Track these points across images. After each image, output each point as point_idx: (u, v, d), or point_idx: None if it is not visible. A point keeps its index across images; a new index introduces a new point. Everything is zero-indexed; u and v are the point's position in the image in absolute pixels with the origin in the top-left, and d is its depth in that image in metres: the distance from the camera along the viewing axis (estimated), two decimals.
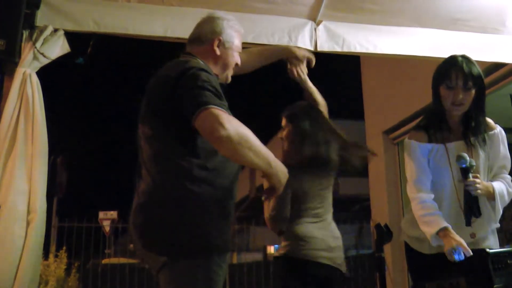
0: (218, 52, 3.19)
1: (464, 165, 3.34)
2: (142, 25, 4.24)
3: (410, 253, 3.74)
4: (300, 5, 4.59)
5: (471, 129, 3.59)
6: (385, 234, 3.47)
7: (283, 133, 4.07)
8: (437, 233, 3.38)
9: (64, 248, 11.44)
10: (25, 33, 3.79)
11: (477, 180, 3.37)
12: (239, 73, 3.65)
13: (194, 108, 2.66)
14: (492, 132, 3.62)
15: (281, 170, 2.86)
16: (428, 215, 3.51)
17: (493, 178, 3.60)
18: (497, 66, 6.03)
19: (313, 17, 4.69)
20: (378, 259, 3.46)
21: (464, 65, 3.56)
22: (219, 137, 2.59)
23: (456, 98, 3.53)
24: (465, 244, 3.25)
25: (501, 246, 3.53)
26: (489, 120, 3.69)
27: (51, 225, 12.57)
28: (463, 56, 3.66)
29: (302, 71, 3.98)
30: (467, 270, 3.35)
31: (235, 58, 3.31)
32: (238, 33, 3.35)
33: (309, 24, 4.68)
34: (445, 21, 4.92)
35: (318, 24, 4.69)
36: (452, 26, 4.96)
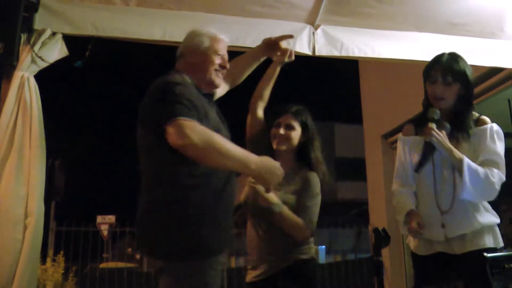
0: (192, 60, 3.34)
1: (435, 116, 3.48)
2: (141, 29, 4.24)
3: (412, 255, 3.77)
4: (299, 9, 4.59)
5: (455, 124, 3.58)
6: (383, 238, 3.45)
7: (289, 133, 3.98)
8: (404, 219, 3.53)
9: (62, 252, 11.41)
10: (23, 37, 3.79)
11: (436, 130, 3.44)
12: (233, 85, 3.82)
13: (163, 121, 2.83)
14: (482, 127, 3.57)
15: (266, 169, 2.96)
16: (399, 205, 3.67)
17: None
18: (495, 70, 6.03)
19: (311, 21, 4.69)
20: (376, 263, 3.44)
21: (445, 60, 3.63)
22: (183, 145, 2.77)
23: (435, 92, 3.59)
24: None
25: (498, 250, 3.51)
26: (483, 117, 3.65)
27: (48, 229, 12.55)
28: (450, 53, 3.71)
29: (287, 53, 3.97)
30: (465, 274, 3.38)
31: (213, 59, 3.36)
32: (212, 38, 3.42)
33: (307, 28, 4.68)
34: (443, 26, 4.92)
35: (316, 28, 4.70)
36: (450, 31, 4.97)
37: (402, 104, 8.85)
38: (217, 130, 3.01)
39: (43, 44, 3.81)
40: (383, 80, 9.72)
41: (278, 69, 3.98)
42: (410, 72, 8.48)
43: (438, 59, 3.69)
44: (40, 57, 3.78)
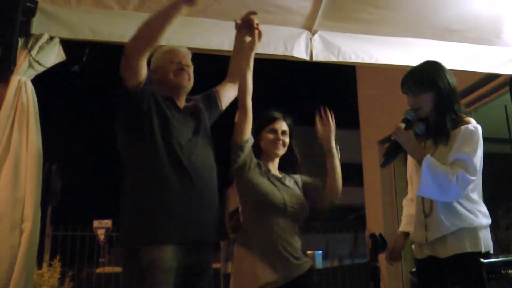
0: (156, 78, 3.51)
1: (409, 117, 3.62)
2: None
3: (414, 260, 3.81)
4: (296, 15, 4.60)
5: (434, 128, 3.64)
6: (379, 243, 3.46)
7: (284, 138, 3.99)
8: None
9: (58, 257, 11.39)
10: (21, 41, 3.78)
11: (402, 130, 3.58)
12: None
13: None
14: (458, 129, 3.54)
15: None
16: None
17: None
18: (492, 77, 6.05)
19: (309, 27, 4.70)
20: (373, 268, 3.45)
21: (412, 72, 3.76)
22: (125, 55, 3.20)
23: (409, 103, 3.72)
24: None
25: (495, 256, 3.52)
26: (466, 118, 3.62)
27: (45, 234, 12.53)
28: (421, 63, 3.83)
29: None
30: (461, 279, 3.39)
31: (169, 68, 3.56)
32: (163, 53, 3.67)
33: (305, 34, 4.70)
34: (440, 32, 4.94)
35: (313, 34, 4.71)
36: (447, 37, 4.99)
37: (399, 110, 8.83)
38: (182, 135, 3.35)
39: (41, 48, 3.81)
40: (380, 86, 9.74)
41: (252, 55, 3.87)
42: None
43: (409, 71, 3.78)
44: (37, 62, 3.78)
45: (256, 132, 3.86)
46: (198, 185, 3.26)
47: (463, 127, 3.52)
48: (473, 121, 3.60)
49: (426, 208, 3.60)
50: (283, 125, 3.98)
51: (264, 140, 3.91)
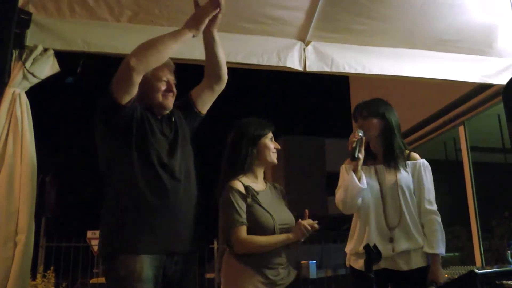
0: (139, 92, 3.39)
1: (360, 134, 3.99)
2: (132, 45, 4.21)
3: (354, 273, 4.08)
4: (289, 26, 4.61)
5: (383, 154, 4.15)
6: (374, 254, 3.46)
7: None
8: None
9: (52, 268, 11.33)
10: (15, 53, 3.78)
11: (358, 138, 3.97)
12: (216, 77, 3.78)
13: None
14: (415, 162, 4.10)
15: (188, 22, 3.35)
16: None
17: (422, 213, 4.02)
18: (485, 87, 6.08)
19: (302, 37, 4.72)
20: (367, 279, 3.45)
21: (362, 102, 4.36)
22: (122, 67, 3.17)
23: (359, 128, 4.12)
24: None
25: (490, 265, 3.53)
26: (414, 153, 4.21)
27: (39, 245, 12.48)
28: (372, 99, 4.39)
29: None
30: None
31: (158, 87, 3.53)
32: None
33: (298, 45, 4.71)
34: (433, 42, 4.96)
35: (307, 45, 4.73)
36: (440, 47, 5.00)
37: None
38: (160, 145, 3.39)
39: (35, 60, 3.81)
40: (373, 96, 9.75)
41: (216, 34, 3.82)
42: (399, 88, 8.54)
43: (362, 102, 4.38)
44: (31, 73, 3.77)
45: (255, 138, 3.85)
46: (174, 196, 3.31)
47: (421, 161, 4.12)
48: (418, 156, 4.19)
49: (390, 222, 3.96)
50: (272, 135, 4.00)
51: (265, 147, 3.88)
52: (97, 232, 13.75)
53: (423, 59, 4.96)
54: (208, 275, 14.90)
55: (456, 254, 9.24)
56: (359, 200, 4.05)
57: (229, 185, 3.69)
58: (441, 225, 3.95)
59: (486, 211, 7.75)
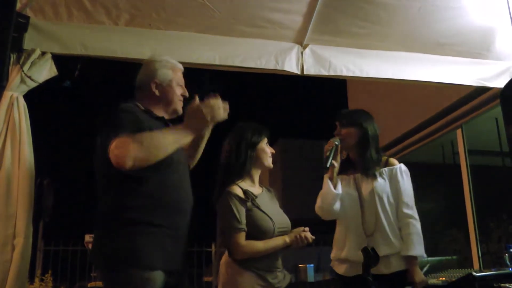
0: (157, 93, 3.44)
1: (336, 142, 4.14)
2: (130, 48, 4.25)
3: (339, 278, 4.29)
4: (287, 29, 4.62)
5: (360, 163, 4.27)
6: (372, 257, 3.46)
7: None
8: None
9: (50, 272, 11.33)
10: (13, 57, 3.78)
11: (332, 147, 4.10)
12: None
13: (107, 143, 2.92)
14: (392, 167, 4.22)
15: (193, 124, 3.10)
16: None
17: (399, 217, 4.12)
18: (483, 90, 6.08)
19: (300, 41, 4.72)
20: (365, 282, 3.45)
21: (345, 110, 4.50)
22: (121, 164, 2.85)
23: (335, 133, 4.28)
24: None
25: (488, 269, 3.54)
26: (392, 159, 4.34)
27: (37, 249, 12.46)
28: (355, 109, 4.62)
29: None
30: None
31: (177, 91, 3.52)
32: (172, 69, 3.57)
33: (296, 48, 4.72)
34: (431, 46, 4.96)
35: (304, 48, 4.74)
36: (438, 51, 5.01)
37: (390, 123, 8.89)
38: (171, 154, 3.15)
39: (33, 64, 3.81)
40: (370, 99, 9.76)
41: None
42: (397, 91, 8.54)
43: (345, 110, 4.53)
44: (29, 77, 3.78)
45: (254, 143, 3.86)
46: (182, 220, 3.29)
47: (398, 166, 4.24)
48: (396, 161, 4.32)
49: (368, 228, 4.10)
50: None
51: (262, 152, 3.91)
52: None
53: (421, 62, 4.97)
54: (206, 279, 14.89)
55: (454, 257, 9.23)
56: (336, 207, 4.19)
57: (228, 190, 3.71)
58: (418, 228, 4.04)
59: (484, 214, 7.76)
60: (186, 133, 3.08)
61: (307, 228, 3.77)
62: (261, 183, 4.02)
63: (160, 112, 3.43)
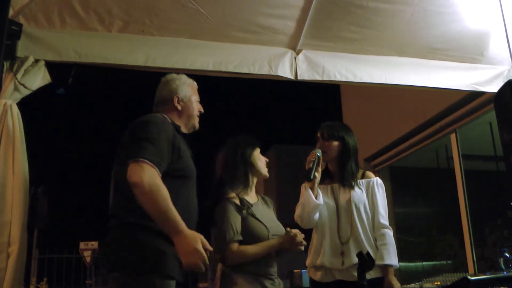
0: (179, 107, 3.64)
1: (318, 154, 4.28)
2: (123, 55, 4.25)
3: (313, 284, 4.41)
4: (280, 34, 4.62)
5: (339, 174, 4.48)
6: (367, 262, 3.46)
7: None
8: None
9: (45, 279, 11.32)
10: (6, 64, 3.76)
11: (315, 159, 4.25)
12: None
13: (129, 157, 3.03)
14: (369, 180, 4.46)
15: (191, 242, 3.02)
16: None
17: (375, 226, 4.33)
18: (477, 94, 6.09)
19: (293, 46, 4.73)
20: (360, 287, 3.45)
21: (328, 123, 4.59)
22: (133, 182, 2.94)
23: (317, 146, 4.45)
24: None
25: (483, 273, 3.55)
26: (368, 171, 4.60)
27: (31, 257, 12.44)
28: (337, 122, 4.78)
29: None
30: None
31: (196, 107, 3.74)
32: (191, 86, 3.79)
33: (289, 53, 4.72)
34: (424, 51, 4.97)
35: (298, 53, 4.73)
36: (431, 55, 5.02)
37: (384, 127, 8.91)
38: (189, 166, 3.38)
39: (26, 71, 3.79)
40: (364, 104, 9.78)
41: None
42: (391, 96, 8.55)
43: (327, 122, 4.61)
44: (23, 85, 3.76)
45: (249, 154, 3.94)
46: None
47: (374, 179, 4.49)
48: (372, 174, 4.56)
49: (343, 236, 4.27)
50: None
51: (258, 161, 4.03)
52: (90, 243, 13.75)
53: (414, 67, 4.98)
54: (201, 284, 14.87)
55: (449, 262, 9.24)
56: (316, 216, 4.32)
57: (225, 199, 3.83)
58: (392, 239, 4.28)
59: (479, 219, 7.77)
60: (178, 227, 3.04)
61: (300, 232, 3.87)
62: (257, 192, 4.12)
63: (182, 127, 3.58)
